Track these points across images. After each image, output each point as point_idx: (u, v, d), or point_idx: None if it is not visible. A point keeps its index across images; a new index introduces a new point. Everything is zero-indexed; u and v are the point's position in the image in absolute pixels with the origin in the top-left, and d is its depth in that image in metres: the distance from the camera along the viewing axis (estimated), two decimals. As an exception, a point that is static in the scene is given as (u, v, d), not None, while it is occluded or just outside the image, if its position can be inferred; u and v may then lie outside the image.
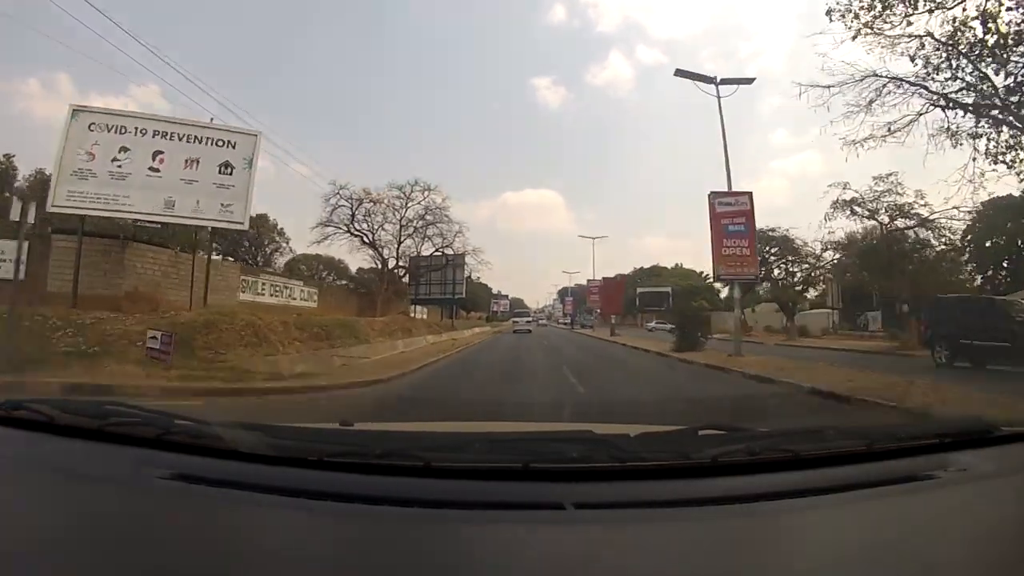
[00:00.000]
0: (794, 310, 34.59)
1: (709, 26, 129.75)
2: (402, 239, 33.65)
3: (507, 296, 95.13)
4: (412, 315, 33.90)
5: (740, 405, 7.51)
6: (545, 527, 0.84)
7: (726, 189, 15.00)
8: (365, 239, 32.62)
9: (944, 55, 11.33)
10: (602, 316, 49.22)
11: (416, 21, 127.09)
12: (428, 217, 33.49)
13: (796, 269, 35.55)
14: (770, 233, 36.83)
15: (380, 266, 34.00)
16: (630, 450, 1.01)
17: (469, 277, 67.17)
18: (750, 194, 15.05)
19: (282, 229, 41.86)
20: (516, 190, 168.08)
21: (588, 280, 49.54)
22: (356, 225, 31.85)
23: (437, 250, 34.64)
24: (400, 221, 33.27)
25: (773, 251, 37.64)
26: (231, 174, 14.49)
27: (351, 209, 31.74)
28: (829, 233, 28.55)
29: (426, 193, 33.24)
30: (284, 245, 42.39)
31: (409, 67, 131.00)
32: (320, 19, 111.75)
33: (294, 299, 24.28)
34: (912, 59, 11.46)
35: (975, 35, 10.71)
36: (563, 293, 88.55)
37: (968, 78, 11.48)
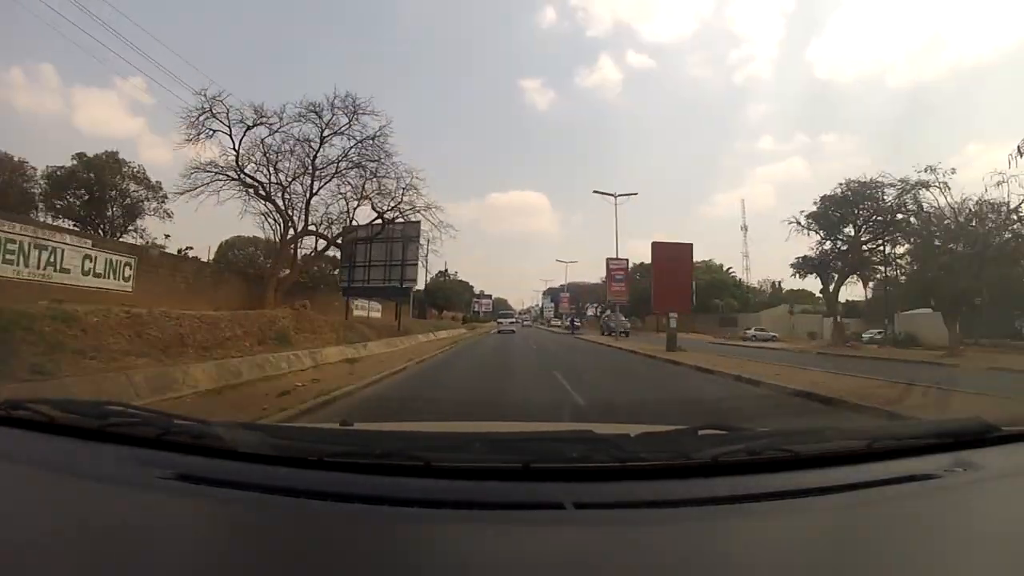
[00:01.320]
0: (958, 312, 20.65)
1: (699, 31, 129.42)
2: (315, 190, 19.97)
3: (490, 296, 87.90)
4: (351, 311, 23.54)
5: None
6: (545, 527, 0.83)
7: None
8: (262, 190, 19.06)
9: None
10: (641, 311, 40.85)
11: (404, 21, 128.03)
12: (358, 157, 19.53)
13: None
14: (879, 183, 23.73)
15: (282, 229, 20.30)
16: (630, 450, 1.00)
17: (445, 272, 59.55)
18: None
19: (158, 183, 24.95)
20: (502, 191, 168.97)
21: (609, 260, 34.60)
22: (252, 172, 18.78)
23: (379, 216, 20.75)
24: (312, 161, 19.41)
25: (882, 220, 24.47)
26: None
27: (232, 137, 18.07)
28: (999, 183, 18.10)
29: (355, 117, 18.92)
30: (157, 205, 25.08)
31: (396, 67, 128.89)
32: (310, 17, 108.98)
33: (65, 271, 12.39)
34: None
35: None
36: (555, 291, 78.14)
37: None
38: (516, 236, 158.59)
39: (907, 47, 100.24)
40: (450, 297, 57.68)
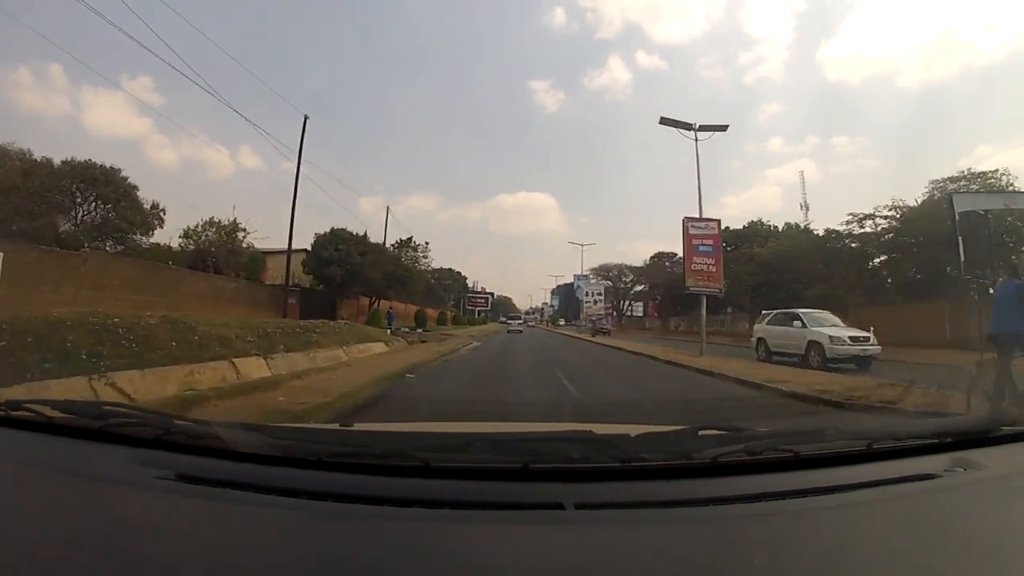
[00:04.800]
0: None
1: (709, 33, 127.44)
2: None
3: (491, 294, 79.06)
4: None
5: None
6: (545, 527, 0.83)
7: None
8: None
9: None
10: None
11: (414, 23, 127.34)
12: None
13: None
14: None
15: None
16: (630, 450, 1.00)
17: (407, 243, 37.20)
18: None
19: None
20: (510, 192, 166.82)
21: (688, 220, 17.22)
22: None
23: None
24: None
25: None
26: None
27: None
28: None
29: None
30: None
31: (407, 68, 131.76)
32: (318, 20, 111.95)
33: None
34: None
35: None
36: (587, 281, 52.98)
37: None
38: (524, 237, 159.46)
39: (917, 48, 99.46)
40: (370, 278, 28.58)
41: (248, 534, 0.82)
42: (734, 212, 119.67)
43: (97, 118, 68.36)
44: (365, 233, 29.92)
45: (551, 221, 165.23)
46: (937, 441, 1.15)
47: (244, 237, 25.68)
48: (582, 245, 48.74)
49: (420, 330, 28.34)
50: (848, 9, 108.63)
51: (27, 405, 1.15)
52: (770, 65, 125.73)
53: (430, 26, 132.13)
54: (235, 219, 25.38)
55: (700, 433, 1.12)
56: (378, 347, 14.88)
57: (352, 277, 27.85)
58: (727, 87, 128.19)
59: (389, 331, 21.06)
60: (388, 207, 38.82)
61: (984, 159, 68.69)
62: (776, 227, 40.18)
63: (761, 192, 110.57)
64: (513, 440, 1.15)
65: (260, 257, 26.46)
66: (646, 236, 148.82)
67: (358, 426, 1.59)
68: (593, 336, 34.22)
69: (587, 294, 53.47)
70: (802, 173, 62.65)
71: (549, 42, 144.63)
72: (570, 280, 66.70)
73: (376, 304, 32.35)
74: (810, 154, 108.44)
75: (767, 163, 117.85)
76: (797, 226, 37.40)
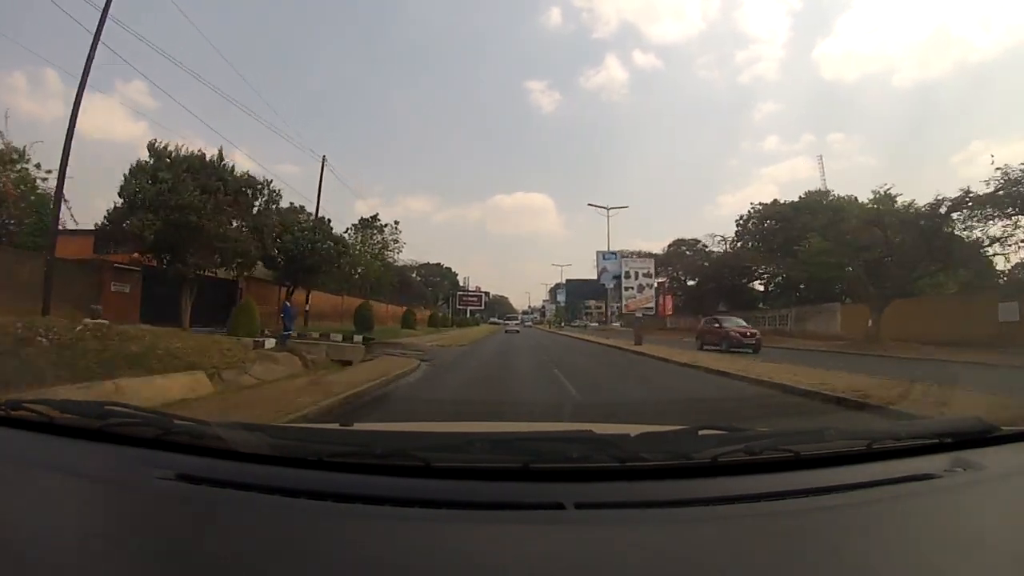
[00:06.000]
0: None
1: (705, 32, 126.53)
2: None
3: (486, 293, 78.85)
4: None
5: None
6: (545, 527, 0.83)
7: None
8: None
9: None
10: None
11: (411, 25, 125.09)
12: None
13: None
14: None
15: None
16: (630, 450, 1.00)
17: (372, 221, 28.33)
18: None
19: None
20: (508, 193, 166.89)
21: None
22: None
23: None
24: None
25: None
26: None
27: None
28: None
29: None
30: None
31: (403, 70, 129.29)
32: (317, 20, 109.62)
33: None
34: None
35: None
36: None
37: None
38: (522, 237, 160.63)
39: (913, 46, 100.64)
40: (225, 237, 15.19)
41: (249, 534, 0.82)
42: (731, 211, 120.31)
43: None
44: (220, 154, 16.05)
45: (548, 221, 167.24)
46: (937, 441, 1.15)
47: (26, 172, 15.05)
48: (607, 208, 31.02)
49: (360, 337, 16.71)
50: (844, 7, 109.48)
51: (27, 405, 1.15)
52: (766, 64, 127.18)
53: (426, 27, 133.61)
54: (3, 138, 14.52)
55: (700, 433, 1.13)
56: (174, 388, 6.32)
57: (187, 235, 14.11)
58: (723, 86, 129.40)
59: (275, 341, 11.92)
60: (324, 156, 26.09)
61: (978, 155, 69.79)
62: (850, 196, 32.56)
63: (758, 191, 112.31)
64: (513, 440, 1.15)
65: (48, 205, 14.53)
66: (645, 236, 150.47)
67: (358, 426, 1.58)
68: (668, 345, 18.08)
69: (628, 275, 32.40)
70: (820, 157, 63.31)
71: (545, 42, 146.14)
72: (572, 276, 60.19)
73: (291, 293, 21.65)
74: (806, 152, 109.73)
75: (763, 161, 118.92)
76: (853, 199, 30.12)
